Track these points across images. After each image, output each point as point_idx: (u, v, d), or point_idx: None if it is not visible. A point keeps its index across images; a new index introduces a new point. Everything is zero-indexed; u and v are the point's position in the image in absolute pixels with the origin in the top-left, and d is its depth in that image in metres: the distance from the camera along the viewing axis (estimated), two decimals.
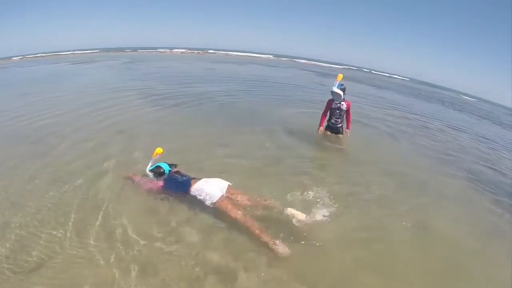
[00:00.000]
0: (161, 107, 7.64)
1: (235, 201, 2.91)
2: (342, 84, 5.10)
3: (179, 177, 3.23)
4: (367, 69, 52.04)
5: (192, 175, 3.33)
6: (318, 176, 4.18)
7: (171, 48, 42.66)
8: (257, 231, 2.58)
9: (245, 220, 2.68)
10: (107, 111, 6.93)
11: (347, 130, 5.55)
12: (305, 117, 7.28)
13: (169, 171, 3.39)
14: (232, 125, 6.27)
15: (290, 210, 2.81)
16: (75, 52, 38.21)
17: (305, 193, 3.36)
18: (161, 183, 3.24)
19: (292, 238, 2.68)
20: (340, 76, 5.04)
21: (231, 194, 2.97)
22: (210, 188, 2.92)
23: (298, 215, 2.75)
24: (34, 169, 3.89)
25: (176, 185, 3.14)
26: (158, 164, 3.42)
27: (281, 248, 2.48)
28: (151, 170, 3.40)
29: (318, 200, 3.21)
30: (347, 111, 5.31)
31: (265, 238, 2.54)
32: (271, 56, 47.74)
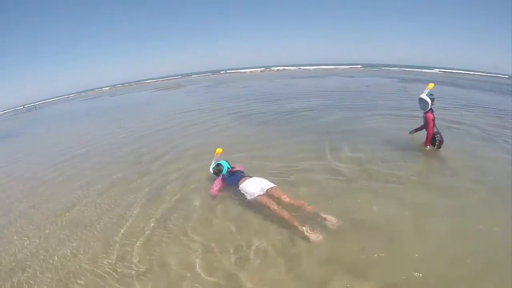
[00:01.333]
0: (249, 125, 7.59)
1: (276, 199, 3.13)
2: (431, 94, 4.73)
3: (235, 173, 3.80)
4: (461, 70, 43.52)
5: (248, 174, 3.77)
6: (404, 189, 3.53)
7: (250, 68, 42.78)
8: (291, 220, 2.79)
9: (280, 211, 2.92)
10: (193, 133, 7.35)
11: (425, 147, 4.89)
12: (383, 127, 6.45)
13: (228, 168, 3.95)
14: (321, 141, 5.57)
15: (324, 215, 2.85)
16: (159, 79, 41.39)
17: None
18: (220, 179, 3.86)
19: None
20: (431, 85, 4.83)
21: (273, 193, 3.23)
22: (251, 186, 3.33)
23: (331, 219, 2.79)
24: (135, 184, 4.43)
25: (231, 179, 3.72)
26: (219, 162, 4.03)
27: (314, 235, 2.61)
28: (213, 168, 4.05)
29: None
30: (427, 124, 4.79)
31: (298, 225, 2.72)
32: (359, 66, 43.68)
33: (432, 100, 4.69)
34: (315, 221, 2.80)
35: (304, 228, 2.67)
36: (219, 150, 4.15)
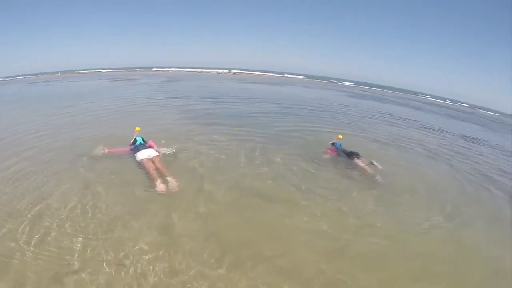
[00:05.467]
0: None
1: (154, 163, 4.77)
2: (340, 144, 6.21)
3: (144, 146, 5.27)
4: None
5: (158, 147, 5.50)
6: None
7: (206, 68, 43.45)
8: (153, 175, 4.48)
9: (149, 169, 4.63)
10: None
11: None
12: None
13: (140, 142, 5.37)
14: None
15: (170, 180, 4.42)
16: (113, 70, 40.08)
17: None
18: (129, 148, 5.35)
19: None
20: (340, 136, 6.28)
21: (154, 160, 4.88)
22: (141, 154, 4.96)
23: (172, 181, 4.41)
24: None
25: (135, 150, 5.18)
26: (135, 137, 5.45)
27: (160, 187, 4.23)
28: (132, 141, 5.42)
29: None
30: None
31: (155, 180, 4.34)
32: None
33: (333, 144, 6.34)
34: (165, 180, 4.40)
35: (157, 182, 4.32)
36: (137, 128, 5.65)
